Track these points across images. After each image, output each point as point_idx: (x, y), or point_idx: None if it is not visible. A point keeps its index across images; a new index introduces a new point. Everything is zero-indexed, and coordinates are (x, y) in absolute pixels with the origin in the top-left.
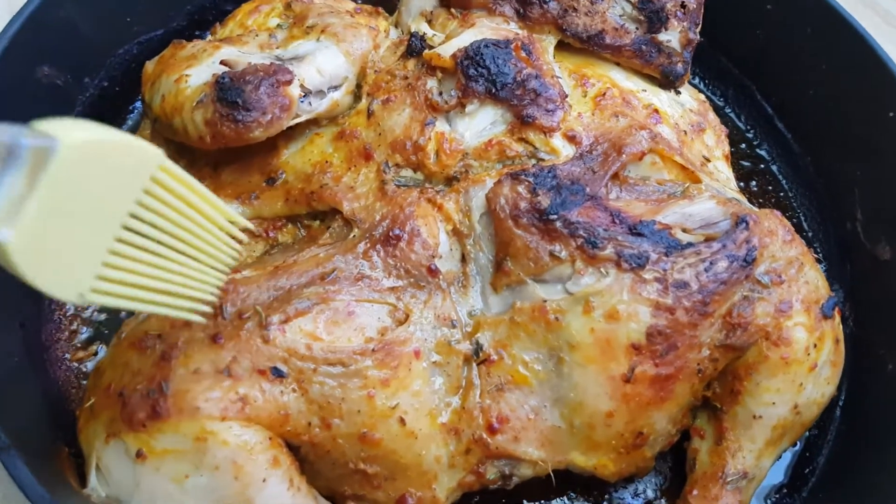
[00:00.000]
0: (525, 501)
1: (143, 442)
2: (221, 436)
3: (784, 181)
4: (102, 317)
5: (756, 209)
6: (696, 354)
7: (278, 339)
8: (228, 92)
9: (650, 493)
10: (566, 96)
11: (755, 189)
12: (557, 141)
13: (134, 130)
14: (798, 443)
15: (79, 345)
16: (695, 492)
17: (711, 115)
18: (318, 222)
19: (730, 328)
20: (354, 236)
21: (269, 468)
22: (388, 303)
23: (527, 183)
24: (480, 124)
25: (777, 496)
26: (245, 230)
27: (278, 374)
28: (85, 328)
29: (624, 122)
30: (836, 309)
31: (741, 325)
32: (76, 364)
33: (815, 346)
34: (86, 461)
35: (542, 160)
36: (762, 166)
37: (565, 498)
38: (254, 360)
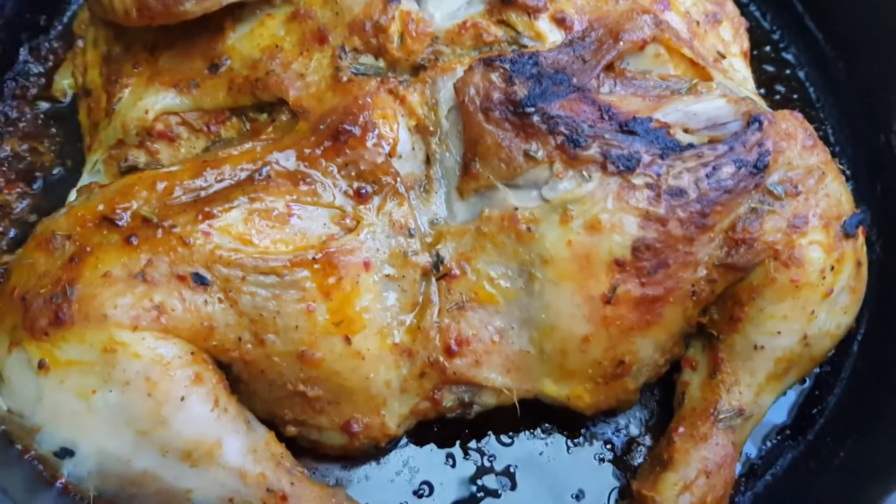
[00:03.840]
0: (491, 434)
1: (46, 352)
2: (133, 347)
3: (811, 88)
4: (34, 217)
5: (773, 111)
6: (691, 274)
7: (200, 241)
8: None
9: (634, 430)
10: None
11: (778, 98)
12: (544, 24)
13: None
14: (807, 380)
15: (4, 247)
16: (681, 429)
17: (730, 6)
18: (265, 115)
19: (732, 245)
20: (299, 129)
21: (189, 386)
22: (334, 206)
23: (502, 70)
24: (453, 3)
25: (778, 438)
26: (184, 123)
27: (201, 281)
28: (13, 229)
29: (625, 4)
30: (861, 228)
31: (746, 241)
32: (1, 268)
33: (833, 268)
34: None
35: (525, 46)
36: (788, 71)
37: (537, 430)
38: (172, 265)
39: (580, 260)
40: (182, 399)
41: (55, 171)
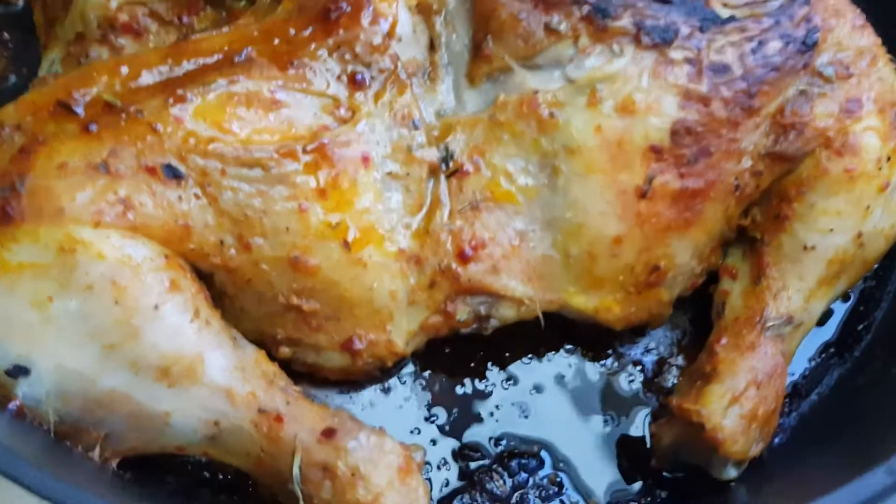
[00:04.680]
0: (509, 355)
1: None
2: (95, 246)
3: None
4: None
5: None
6: (735, 165)
7: (171, 128)
8: None
9: (664, 350)
10: None
11: None
12: None
13: None
14: (851, 295)
15: None
16: (724, 340)
17: None
18: (243, 2)
19: (780, 131)
20: (284, 9)
21: (164, 293)
22: (326, 95)
23: None
24: None
25: (823, 356)
26: (152, 15)
27: (173, 173)
28: None
29: None
30: None
31: (795, 126)
32: None
33: (889, 158)
34: None
35: None
36: None
37: (560, 352)
38: (140, 156)
39: (611, 148)
40: (156, 307)
41: (9, 79)
